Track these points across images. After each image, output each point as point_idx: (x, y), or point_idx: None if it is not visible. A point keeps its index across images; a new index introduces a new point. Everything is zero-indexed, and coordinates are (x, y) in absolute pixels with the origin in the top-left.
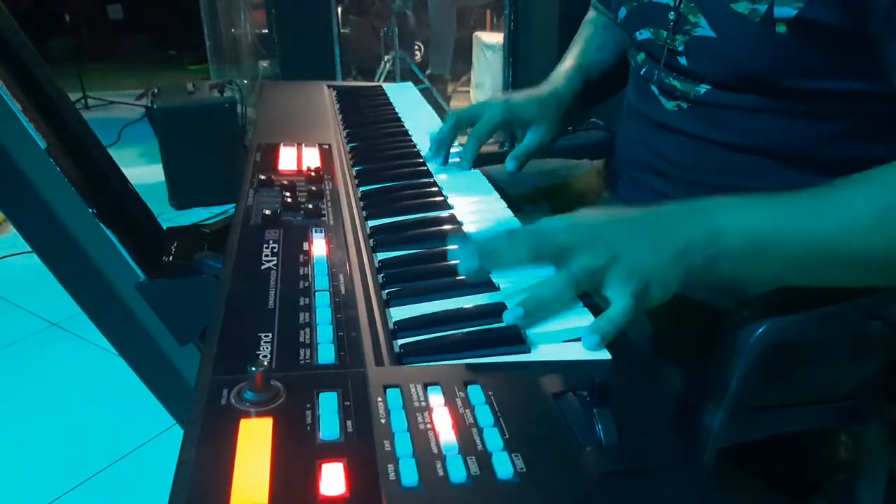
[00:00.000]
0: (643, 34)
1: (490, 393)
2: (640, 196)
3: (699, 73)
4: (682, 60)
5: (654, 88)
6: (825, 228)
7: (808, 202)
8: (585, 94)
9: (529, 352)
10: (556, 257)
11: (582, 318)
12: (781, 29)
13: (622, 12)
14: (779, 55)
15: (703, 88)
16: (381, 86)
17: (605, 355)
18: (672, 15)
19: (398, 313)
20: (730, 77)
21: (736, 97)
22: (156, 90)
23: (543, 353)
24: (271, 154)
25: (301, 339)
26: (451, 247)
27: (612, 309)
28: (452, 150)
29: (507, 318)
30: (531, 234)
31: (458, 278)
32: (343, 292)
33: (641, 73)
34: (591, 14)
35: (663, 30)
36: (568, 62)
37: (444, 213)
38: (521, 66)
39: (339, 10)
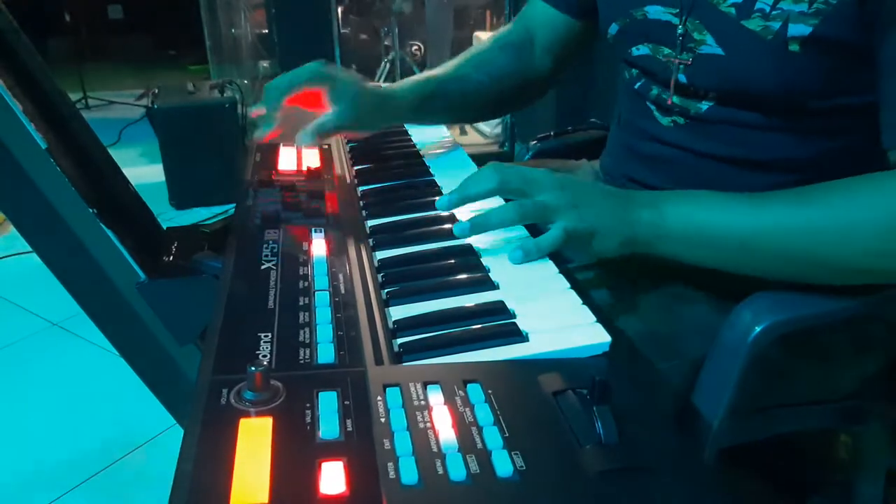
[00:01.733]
0: (640, 50)
1: (490, 391)
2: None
3: (702, 90)
4: (682, 78)
5: (649, 104)
6: (755, 224)
7: (749, 200)
8: (429, 106)
9: (528, 340)
10: (522, 191)
11: (581, 315)
12: (794, 48)
13: (613, 28)
14: (789, 74)
15: (705, 105)
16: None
17: (605, 337)
18: (680, 29)
19: (397, 312)
20: (735, 94)
21: (738, 114)
22: (156, 90)
23: (542, 344)
24: (271, 154)
25: (301, 338)
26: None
27: (546, 235)
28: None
29: (455, 230)
30: (506, 168)
31: (457, 278)
32: (342, 292)
33: (636, 87)
34: (506, 27)
35: (664, 46)
36: (434, 71)
37: (444, 213)
38: None
39: (339, 10)
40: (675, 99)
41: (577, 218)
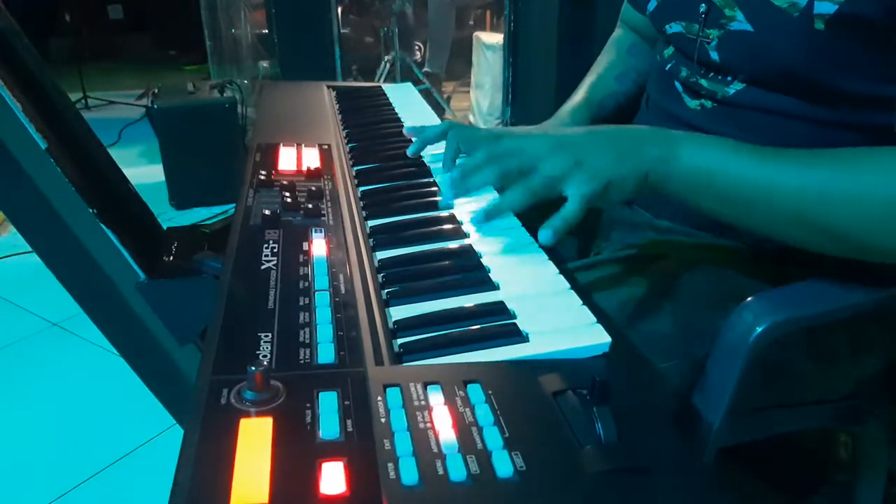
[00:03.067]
0: (673, 27)
1: (490, 392)
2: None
3: (732, 69)
4: (714, 55)
5: (677, 85)
6: (765, 179)
7: (763, 153)
8: None
9: (528, 340)
10: (522, 171)
11: (581, 316)
12: (819, 26)
13: (652, 4)
14: (816, 53)
15: (733, 89)
16: (380, 86)
17: (605, 338)
18: (703, 7)
19: (398, 313)
20: (764, 73)
21: (767, 97)
22: (156, 90)
23: (542, 344)
24: (271, 154)
25: (301, 338)
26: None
27: (567, 208)
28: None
29: (473, 221)
30: (496, 146)
31: (457, 278)
32: (343, 292)
33: (667, 68)
34: (617, 32)
35: (695, 23)
36: (579, 95)
37: (444, 213)
38: (521, 66)
39: (339, 10)
40: (703, 82)
41: (588, 177)
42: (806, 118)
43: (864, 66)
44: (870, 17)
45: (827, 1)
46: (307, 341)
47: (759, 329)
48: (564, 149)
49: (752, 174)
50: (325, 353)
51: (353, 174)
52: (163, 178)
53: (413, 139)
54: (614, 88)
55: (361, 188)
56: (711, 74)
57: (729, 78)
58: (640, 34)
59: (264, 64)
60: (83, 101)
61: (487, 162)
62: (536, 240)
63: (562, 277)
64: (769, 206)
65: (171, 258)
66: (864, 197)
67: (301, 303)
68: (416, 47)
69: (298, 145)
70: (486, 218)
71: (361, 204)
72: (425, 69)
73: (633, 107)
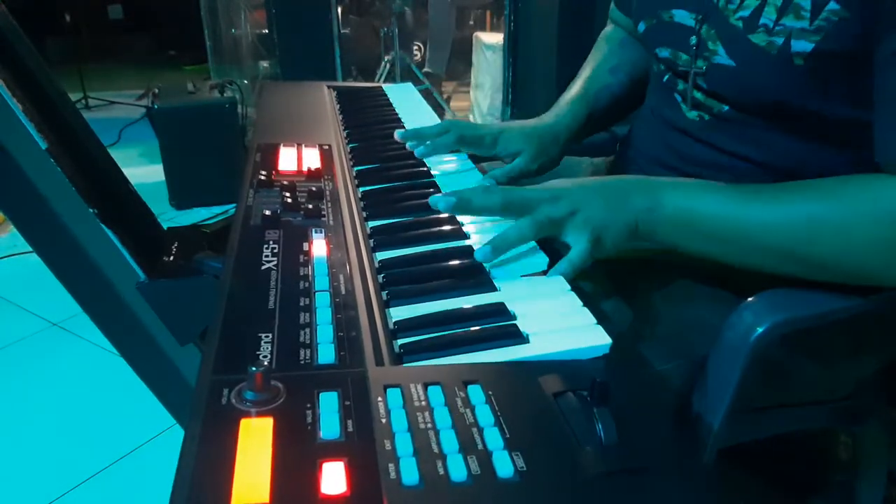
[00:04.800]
0: (663, 52)
1: (490, 392)
2: None
3: (718, 97)
4: (702, 82)
5: (676, 96)
6: (749, 217)
7: (744, 190)
8: (591, 121)
9: (528, 341)
10: (523, 209)
11: (582, 317)
12: (798, 62)
13: (641, 26)
14: (798, 85)
15: (725, 108)
16: (380, 86)
17: (605, 339)
18: (693, 40)
19: (398, 313)
20: (749, 103)
21: (754, 119)
22: (156, 90)
23: (543, 345)
24: (271, 154)
25: (301, 339)
26: (431, 194)
27: (572, 252)
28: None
29: (478, 256)
30: (504, 189)
31: (458, 279)
32: (343, 292)
33: (664, 80)
34: (608, 29)
35: (682, 52)
36: (575, 88)
37: (444, 214)
38: (521, 66)
39: (339, 10)
40: (699, 95)
41: (582, 223)
42: (795, 133)
43: (843, 93)
44: (846, 50)
45: (803, 40)
46: (307, 342)
47: (759, 329)
48: (561, 199)
49: (738, 213)
50: (326, 353)
51: (354, 174)
52: (163, 178)
53: (408, 144)
54: (609, 81)
55: (362, 188)
56: (702, 94)
57: (718, 100)
58: (630, 32)
59: (264, 64)
60: (83, 101)
61: (494, 195)
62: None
63: (562, 278)
64: (757, 243)
65: (172, 258)
66: (850, 227)
67: (301, 303)
68: (416, 47)
69: (299, 145)
70: (493, 252)
71: (362, 204)
72: (425, 69)
73: (628, 98)
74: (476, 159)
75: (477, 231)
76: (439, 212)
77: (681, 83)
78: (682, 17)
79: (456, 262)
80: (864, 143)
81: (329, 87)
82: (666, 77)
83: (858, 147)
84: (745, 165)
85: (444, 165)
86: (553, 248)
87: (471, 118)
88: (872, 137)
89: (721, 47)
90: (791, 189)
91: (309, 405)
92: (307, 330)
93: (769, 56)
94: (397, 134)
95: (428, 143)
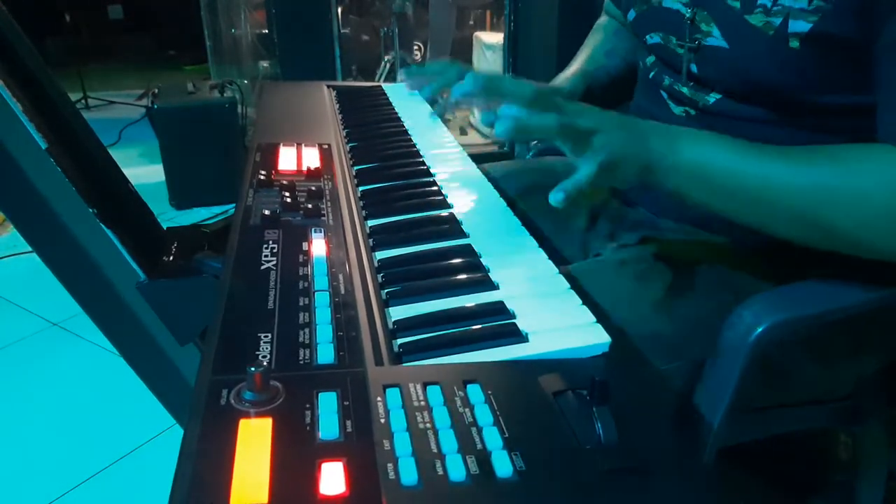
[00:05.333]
0: (653, 38)
1: (489, 392)
2: (642, 191)
3: (709, 81)
4: (693, 68)
5: (662, 93)
6: (765, 173)
7: (760, 149)
8: (588, 100)
9: (528, 340)
10: (550, 107)
11: (581, 316)
12: (794, 44)
13: (632, 14)
14: (791, 70)
15: (713, 98)
16: (380, 86)
17: (605, 338)
18: (687, 19)
19: (397, 313)
20: (740, 88)
21: (745, 108)
22: (156, 90)
23: (542, 344)
24: (271, 154)
25: (300, 339)
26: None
27: (579, 172)
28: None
29: (497, 131)
30: (538, 90)
31: (457, 278)
32: (342, 292)
33: (650, 76)
34: (602, 19)
35: (673, 36)
36: (574, 66)
37: (444, 213)
38: (521, 66)
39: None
40: (685, 90)
41: (601, 146)
42: (782, 124)
43: (837, 80)
44: (843, 34)
45: (801, 20)
46: (307, 342)
47: (759, 329)
48: (587, 114)
49: (750, 170)
50: (325, 353)
51: (353, 174)
52: (163, 178)
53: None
54: (605, 62)
55: (361, 188)
56: (692, 84)
57: (707, 88)
58: (622, 24)
59: (264, 64)
60: (83, 101)
61: (552, 117)
62: (537, 238)
63: (561, 277)
64: (766, 201)
65: (171, 258)
66: (864, 195)
67: (301, 303)
68: (416, 47)
69: (298, 145)
70: (514, 129)
71: (361, 204)
72: None
73: (623, 81)
74: (476, 160)
75: (476, 231)
76: (438, 211)
77: (667, 78)
78: (671, 1)
79: (455, 260)
80: (857, 134)
81: (329, 86)
82: (653, 73)
83: (847, 133)
84: None
85: (443, 165)
86: (551, 248)
87: (471, 118)
88: (865, 128)
89: (716, 28)
90: (809, 151)
91: (308, 405)
92: (306, 330)
93: (765, 37)
94: (403, 73)
95: (433, 84)
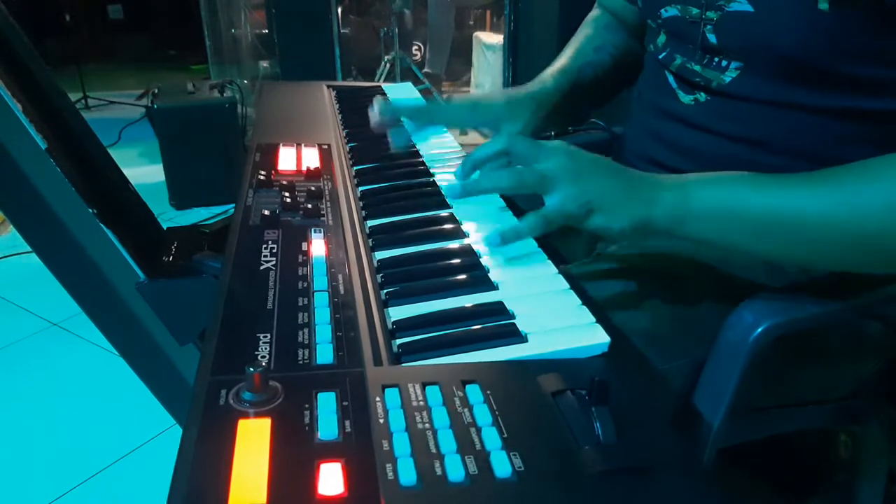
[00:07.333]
0: (669, 11)
1: (488, 392)
2: None
3: (729, 52)
4: (712, 38)
5: (670, 78)
6: (792, 206)
7: (782, 179)
8: (574, 96)
9: (527, 340)
10: (526, 157)
11: (581, 316)
12: (823, 6)
13: None
14: (818, 33)
15: (729, 77)
16: (380, 86)
17: (604, 338)
18: None
19: (397, 313)
20: (763, 57)
21: (764, 84)
22: (156, 90)
23: (541, 344)
24: (271, 154)
25: (299, 339)
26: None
27: (526, 217)
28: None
29: (445, 190)
30: (514, 136)
31: (456, 278)
32: (342, 292)
33: (660, 57)
34: (594, 13)
35: (692, 6)
36: (559, 62)
37: (443, 213)
38: (521, 66)
39: (339, 10)
40: (698, 68)
41: (576, 192)
42: (803, 107)
43: (866, 48)
44: None
45: None
46: (306, 342)
47: (759, 329)
48: (574, 159)
49: (778, 203)
50: (324, 353)
51: (353, 174)
52: (163, 178)
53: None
54: (592, 58)
55: (361, 188)
56: (707, 59)
57: (724, 63)
58: (616, 16)
59: (264, 64)
60: (83, 101)
61: (500, 137)
62: (536, 238)
63: (561, 277)
64: (805, 230)
65: (171, 258)
66: None
67: (300, 303)
68: (416, 47)
69: (298, 145)
70: (461, 190)
71: (361, 204)
72: (425, 69)
73: (611, 78)
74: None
75: (476, 230)
76: (438, 211)
77: (679, 57)
78: None
79: (455, 261)
80: (876, 110)
81: (329, 86)
82: (663, 54)
83: (869, 117)
84: (743, 150)
85: (443, 165)
86: (551, 248)
87: None
88: (884, 105)
89: None
90: (833, 172)
91: (307, 405)
92: (305, 330)
93: None
94: (376, 103)
95: (405, 126)
